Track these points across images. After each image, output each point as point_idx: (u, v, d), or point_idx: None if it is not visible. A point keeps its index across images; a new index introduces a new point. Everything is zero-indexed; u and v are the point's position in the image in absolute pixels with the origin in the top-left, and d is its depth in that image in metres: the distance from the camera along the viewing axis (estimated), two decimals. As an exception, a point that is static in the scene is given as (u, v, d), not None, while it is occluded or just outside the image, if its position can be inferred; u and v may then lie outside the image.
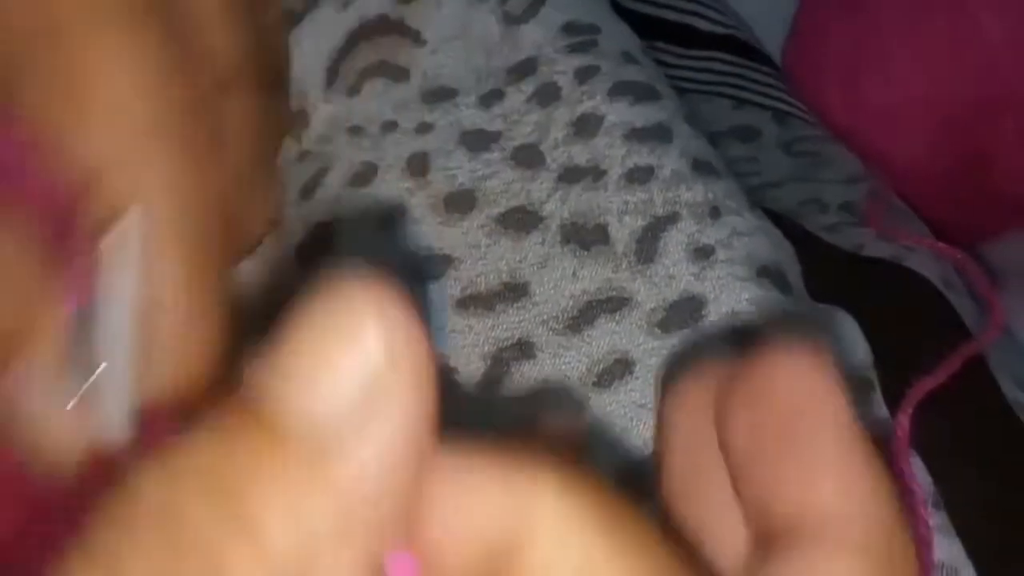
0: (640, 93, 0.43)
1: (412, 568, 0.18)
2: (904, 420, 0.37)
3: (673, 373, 0.35)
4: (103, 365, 0.25)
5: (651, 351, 0.37)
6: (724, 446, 0.23)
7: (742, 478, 0.22)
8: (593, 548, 0.17)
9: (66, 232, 0.27)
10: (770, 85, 0.62)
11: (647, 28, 0.64)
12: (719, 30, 0.66)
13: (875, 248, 0.46)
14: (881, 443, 0.36)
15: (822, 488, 0.21)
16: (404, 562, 0.18)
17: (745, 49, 0.65)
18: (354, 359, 0.15)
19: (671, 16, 0.66)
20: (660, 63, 0.63)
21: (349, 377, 0.15)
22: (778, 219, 0.43)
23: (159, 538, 0.15)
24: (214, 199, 0.30)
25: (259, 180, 0.36)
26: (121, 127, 0.28)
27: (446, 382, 0.37)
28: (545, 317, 0.38)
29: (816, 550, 0.21)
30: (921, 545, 0.34)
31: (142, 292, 0.26)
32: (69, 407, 0.25)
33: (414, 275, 0.39)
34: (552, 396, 0.37)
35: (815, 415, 0.21)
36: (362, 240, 0.40)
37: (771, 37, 0.70)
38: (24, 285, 0.27)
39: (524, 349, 0.37)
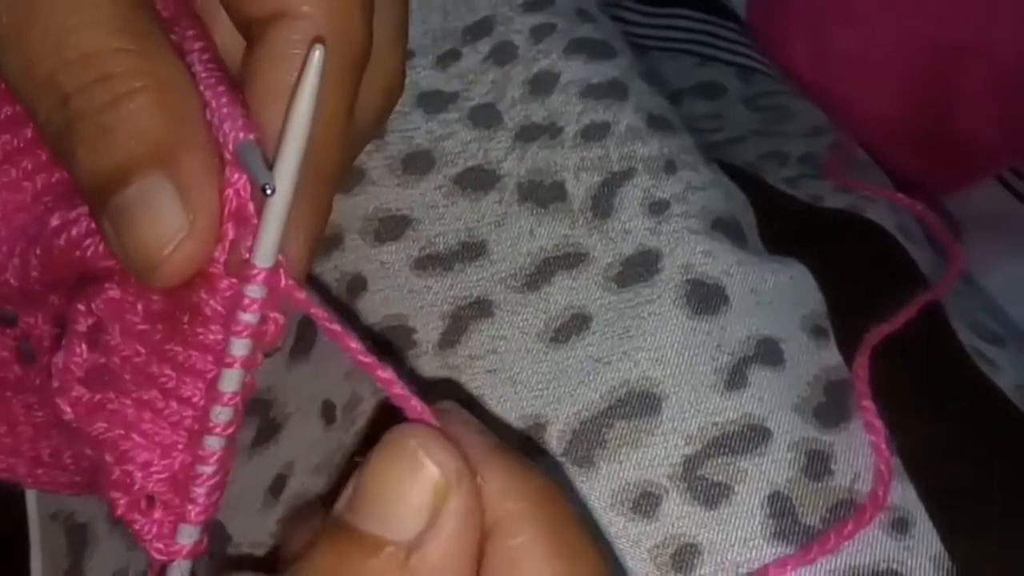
0: (595, 50, 0.43)
1: None
2: (863, 360, 0.37)
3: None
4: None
5: (607, 306, 0.37)
6: None
7: None
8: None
9: None
10: (735, 41, 0.62)
11: (613, -14, 0.64)
12: (684, -14, 0.66)
13: (834, 199, 0.46)
14: (837, 387, 0.37)
15: None
16: None
17: (710, 5, 0.65)
18: (420, 487, 0.24)
19: (636, -27, 0.66)
20: (625, 21, 0.64)
21: (417, 501, 0.24)
22: (738, 173, 0.43)
23: None
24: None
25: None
26: None
27: (405, 341, 0.38)
28: (503, 275, 0.38)
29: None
30: (879, 483, 0.35)
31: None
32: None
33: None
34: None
35: None
36: None
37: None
38: None
39: (483, 307, 0.38)
